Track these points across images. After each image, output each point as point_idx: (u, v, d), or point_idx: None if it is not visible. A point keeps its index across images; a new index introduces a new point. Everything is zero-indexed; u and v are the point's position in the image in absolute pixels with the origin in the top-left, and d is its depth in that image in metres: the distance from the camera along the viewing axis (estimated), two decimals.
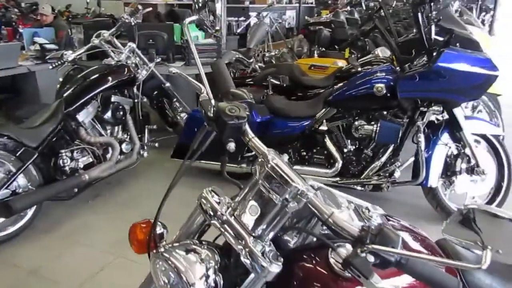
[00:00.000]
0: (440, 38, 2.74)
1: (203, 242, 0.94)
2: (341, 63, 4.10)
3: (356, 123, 2.94)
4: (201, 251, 0.90)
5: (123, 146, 3.20)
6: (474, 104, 3.70)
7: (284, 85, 3.79)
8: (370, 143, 2.99)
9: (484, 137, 2.87)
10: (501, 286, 1.13)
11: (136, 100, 3.43)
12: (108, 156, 3.11)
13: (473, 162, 2.78)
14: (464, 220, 0.80)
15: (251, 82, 3.77)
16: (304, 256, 0.95)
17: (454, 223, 0.83)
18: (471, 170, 2.81)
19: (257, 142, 0.96)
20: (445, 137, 2.79)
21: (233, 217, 0.91)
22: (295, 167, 3.09)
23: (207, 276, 0.86)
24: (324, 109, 3.05)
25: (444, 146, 2.78)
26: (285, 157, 0.95)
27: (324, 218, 0.83)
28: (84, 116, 3.02)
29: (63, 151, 2.84)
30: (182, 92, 4.16)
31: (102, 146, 3.11)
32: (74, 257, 2.49)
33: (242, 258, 0.86)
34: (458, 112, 2.73)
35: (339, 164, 3.01)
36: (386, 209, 1.04)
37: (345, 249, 0.84)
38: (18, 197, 2.47)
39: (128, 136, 3.33)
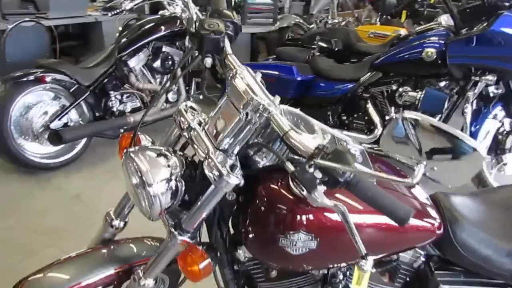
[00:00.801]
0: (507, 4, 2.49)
1: (175, 151, 1.00)
2: (403, 32, 3.89)
3: (401, 89, 2.80)
4: (169, 157, 0.95)
5: (170, 95, 3.35)
6: None
7: (336, 49, 3.69)
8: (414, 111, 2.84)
9: None
10: (487, 242, 1.08)
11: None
12: (159, 105, 3.28)
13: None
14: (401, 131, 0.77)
15: (299, 42, 3.70)
16: (269, 177, 0.97)
17: (390, 136, 0.80)
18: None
19: (232, 59, 0.98)
20: (498, 112, 2.57)
21: (203, 130, 0.95)
22: (334, 130, 3.05)
23: (169, 180, 0.92)
24: (369, 73, 2.94)
25: (496, 121, 2.57)
26: (277, 99, 0.94)
27: (281, 134, 0.84)
28: (135, 63, 3.19)
29: (113, 93, 3.04)
30: (236, 50, 4.21)
31: (150, 93, 3.29)
32: (113, 190, 2.70)
33: (204, 168, 0.90)
34: None
35: (378, 131, 2.90)
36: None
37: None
38: (69, 129, 2.73)
39: (176, 87, 3.47)
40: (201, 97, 3.58)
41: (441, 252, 1.13)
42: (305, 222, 0.90)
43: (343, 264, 1.05)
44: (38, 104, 2.71)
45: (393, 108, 2.93)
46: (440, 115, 2.72)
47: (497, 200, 1.24)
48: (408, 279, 1.17)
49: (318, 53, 3.35)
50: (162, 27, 3.24)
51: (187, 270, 0.96)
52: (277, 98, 0.92)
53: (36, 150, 2.72)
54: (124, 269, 1.14)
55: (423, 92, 2.67)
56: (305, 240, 0.91)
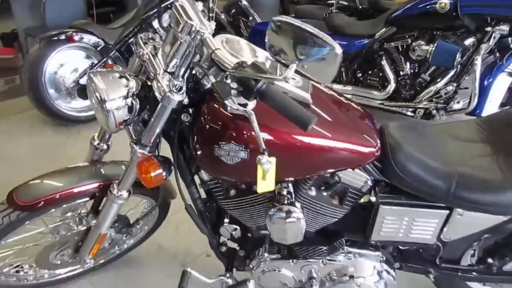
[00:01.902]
0: None
1: (135, 75, 1.14)
2: None
3: (414, 43, 2.76)
4: (127, 80, 1.10)
5: None
6: None
7: (360, 6, 3.65)
8: (429, 67, 2.80)
9: None
10: (424, 165, 1.14)
11: (210, 15, 3.65)
12: None
13: None
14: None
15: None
16: (213, 97, 1.09)
17: (270, 40, 0.91)
18: None
19: None
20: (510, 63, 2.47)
21: (154, 56, 1.09)
22: (347, 87, 3.08)
23: (125, 98, 1.07)
24: (384, 28, 2.91)
25: (510, 73, 2.48)
26: (212, 24, 1.05)
27: (210, 52, 0.96)
28: (159, 24, 3.35)
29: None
30: (262, 12, 4.27)
31: None
32: None
33: (153, 88, 1.05)
34: None
35: (391, 87, 2.90)
36: None
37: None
38: None
39: None
40: None
41: (384, 176, 1.21)
42: (235, 134, 1.02)
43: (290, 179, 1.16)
44: (69, 61, 2.97)
45: (408, 63, 2.90)
46: (455, 70, 2.67)
47: (448, 131, 1.29)
48: (356, 202, 1.26)
49: (336, 10, 3.34)
50: None
51: (142, 177, 1.13)
52: (213, 23, 1.03)
53: (68, 104, 3.00)
54: (105, 184, 1.34)
55: (435, 45, 2.62)
56: (237, 151, 1.03)
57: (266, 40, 0.95)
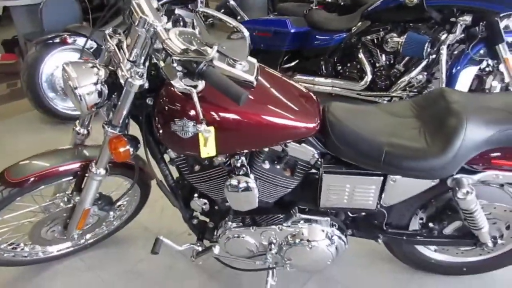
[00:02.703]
0: None
1: (104, 65, 1.32)
2: None
3: (387, 36, 2.92)
4: (97, 69, 1.27)
5: None
6: None
7: (342, 3, 3.81)
8: (403, 58, 2.95)
9: None
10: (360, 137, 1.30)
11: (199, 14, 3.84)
12: None
13: (507, 80, 2.59)
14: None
15: None
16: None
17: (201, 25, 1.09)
18: (505, 89, 2.63)
19: None
20: (479, 52, 2.61)
21: (119, 48, 1.27)
22: (328, 79, 3.23)
23: (94, 84, 1.25)
24: (360, 23, 3.07)
25: (477, 61, 2.62)
26: (164, 19, 1.21)
27: (161, 42, 1.13)
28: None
29: None
30: (252, 11, 4.45)
31: None
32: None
33: (118, 75, 1.23)
34: (496, 23, 2.52)
35: (368, 78, 3.06)
36: None
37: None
38: None
39: None
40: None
41: (327, 149, 1.38)
42: (186, 111, 1.19)
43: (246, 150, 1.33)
44: None
45: (383, 55, 3.05)
46: (426, 60, 2.81)
47: (386, 109, 1.44)
48: (306, 173, 1.43)
49: (316, 7, 3.50)
50: None
51: (112, 153, 1.31)
52: (164, 18, 1.21)
53: (64, 103, 3.19)
54: (86, 164, 1.52)
55: (405, 36, 2.77)
56: (189, 126, 1.20)
57: (195, 28, 1.13)
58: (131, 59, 1.22)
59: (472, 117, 1.24)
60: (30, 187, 1.47)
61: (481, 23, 2.59)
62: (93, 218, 1.76)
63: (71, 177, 1.55)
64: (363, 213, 1.54)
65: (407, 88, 2.90)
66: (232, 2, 4.05)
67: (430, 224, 1.54)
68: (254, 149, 1.31)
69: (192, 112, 1.19)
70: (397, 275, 1.80)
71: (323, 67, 3.26)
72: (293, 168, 1.42)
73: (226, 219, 1.55)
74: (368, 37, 3.06)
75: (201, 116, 1.09)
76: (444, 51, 2.61)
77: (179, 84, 1.09)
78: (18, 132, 3.15)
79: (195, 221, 1.64)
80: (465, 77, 2.65)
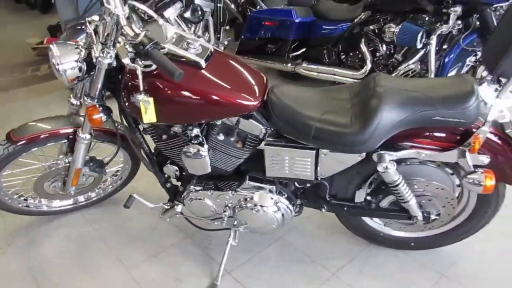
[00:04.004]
0: None
1: (86, 47, 1.59)
2: None
3: (386, 26, 3.01)
4: (78, 49, 1.54)
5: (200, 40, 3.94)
6: None
7: None
8: (402, 48, 3.03)
9: None
10: (296, 114, 1.49)
11: (219, 4, 4.08)
12: None
13: None
14: None
15: None
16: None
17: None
18: (496, 80, 2.65)
19: None
20: (472, 42, 2.66)
21: (95, 33, 1.53)
22: (331, 67, 3.37)
23: (75, 61, 1.52)
24: (363, 13, 3.17)
25: (468, 51, 2.67)
26: (126, 9, 1.44)
27: (120, 28, 1.38)
28: (169, 14, 3.82)
29: None
30: (272, 2, 4.62)
31: None
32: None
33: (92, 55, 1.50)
34: (488, 14, 2.55)
35: (367, 67, 3.17)
36: None
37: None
38: None
39: (207, 33, 4.05)
40: (225, 42, 4.11)
41: (270, 125, 1.57)
42: (141, 85, 1.42)
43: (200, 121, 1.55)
44: None
45: (384, 45, 3.15)
46: (424, 50, 2.88)
47: (327, 92, 1.60)
48: (256, 146, 1.63)
49: None
50: None
51: (88, 119, 1.58)
52: (126, 8, 1.44)
53: None
54: (77, 129, 1.81)
55: (400, 26, 2.85)
56: (144, 98, 1.44)
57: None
58: (101, 41, 1.48)
59: (390, 99, 1.38)
60: (31, 144, 1.79)
61: (474, 15, 2.63)
62: (89, 179, 2.07)
63: (65, 140, 1.86)
64: (308, 184, 1.72)
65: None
66: None
67: (368, 198, 1.70)
68: (196, 121, 1.53)
69: (146, 86, 1.44)
70: (350, 247, 1.97)
71: (326, 56, 3.40)
72: (244, 140, 1.64)
73: (191, 183, 1.79)
74: (370, 27, 3.17)
75: (141, 88, 1.33)
76: (433, 41, 2.68)
77: (127, 62, 1.34)
78: (50, 106, 3.57)
79: (168, 185, 1.89)
80: (457, 66, 2.71)
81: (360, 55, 3.25)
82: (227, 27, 4.18)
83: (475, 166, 1.46)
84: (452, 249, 1.90)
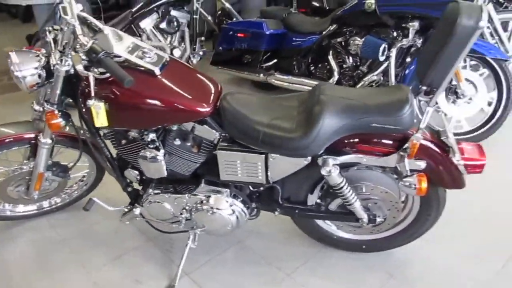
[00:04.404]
0: None
1: (46, 55, 1.65)
2: None
3: (351, 39, 3.13)
4: (39, 57, 1.61)
5: (174, 51, 4.03)
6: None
7: (327, 7, 4.05)
8: (367, 60, 3.15)
9: (486, 61, 2.77)
10: (245, 120, 1.57)
11: (195, 16, 4.18)
12: None
13: (454, 82, 2.74)
14: None
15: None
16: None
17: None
18: (453, 92, 2.79)
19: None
20: None
21: (55, 41, 1.60)
22: (301, 78, 3.47)
23: (34, 69, 1.58)
24: (330, 26, 3.30)
25: None
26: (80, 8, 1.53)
27: (75, 36, 1.45)
28: (145, 24, 3.92)
29: None
30: (250, 13, 4.75)
31: (160, 50, 4.01)
32: None
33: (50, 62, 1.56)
34: None
35: (334, 78, 3.28)
36: None
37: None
38: None
39: (183, 44, 4.14)
40: (200, 53, 4.20)
41: (224, 130, 1.65)
42: (92, 91, 1.48)
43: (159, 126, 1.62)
44: None
45: (351, 57, 3.27)
46: (388, 62, 3.00)
47: (279, 100, 1.69)
48: (211, 150, 1.71)
49: (295, 11, 3.75)
50: None
51: (47, 124, 1.64)
52: (81, 10, 1.51)
53: None
54: (39, 134, 1.86)
55: (363, 40, 2.98)
56: (94, 103, 1.50)
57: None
58: (59, 49, 1.55)
59: (332, 107, 1.47)
60: None
61: (431, 28, 2.77)
62: (53, 184, 2.11)
63: (28, 145, 1.91)
64: (262, 188, 1.80)
65: None
66: (227, 5, 4.37)
67: (318, 201, 1.78)
68: (149, 127, 1.60)
69: (100, 94, 1.51)
70: (306, 249, 2.04)
71: (295, 67, 3.51)
72: (200, 145, 1.71)
73: (150, 186, 1.85)
74: (337, 40, 3.29)
75: (92, 94, 1.40)
76: (393, 53, 2.81)
77: (79, 69, 1.41)
78: (28, 114, 3.59)
79: (130, 189, 1.95)
80: (415, 79, 2.83)
81: (328, 67, 3.37)
82: (203, 38, 4.28)
83: (413, 171, 1.56)
84: (403, 251, 1.99)
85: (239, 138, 1.62)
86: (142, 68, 1.54)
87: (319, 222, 1.94)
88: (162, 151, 1.68)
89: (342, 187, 1.62)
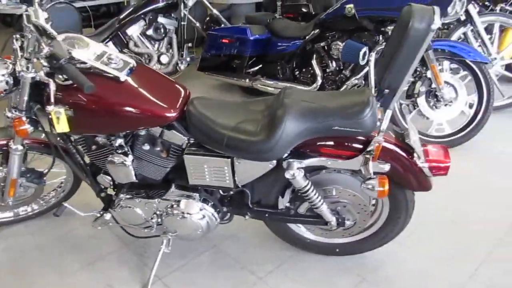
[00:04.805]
0: None
1: (13, 63, 1.67)
2: None
3: (333, 43, 3.15)
4: (6, 65, 1.63)
5: (162, 57, 4.06)
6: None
7: (313, 12, 4.07)
8: (350, 64, 3.17)
9: (466, 64, 2.78)
10: (210, 125, 1.58)
11: (183, 23, 4.22)
12: (151, 64, 4.03)
13: (434, 86, 2.75)
14: None
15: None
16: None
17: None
18: (433, 95, 2.79)
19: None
20: None
21: (21, 48, 1.62)
22: (284, 83, 3.49)
23: (2, 75, 1.60)
24: (313, 31, 3.31)
25: None
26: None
27: (39, 43, 1.46)
28: (132, 31, 3.95)
29: None
30: (239, 20, 4.77)
31: (148, 56, 4.04)
32: None
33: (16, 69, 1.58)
34: None
35: (318, 83, 3.30)
36: None
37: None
38: None
39: (171, 50, 4.17)
40: (188, 59, 4.23)
41: (190, 135, 1.66)
42: (52, 97, 1.50)
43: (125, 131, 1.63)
44: None
45: (334, 62, 3.29)
46: (367, 66, 3.02)
47: (247, 105, 1.69)
48: (180, 155, 1.71)
49: (280, 17, 3.78)
50: (157, 0, 3.94)
51: (14, 131, 1.65)
52: (46, 18, 1.53)
53: None
54: (10, 141, 1.88)
55: (344, 44, 2.99)
56: (54, 109, 1.51)
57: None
58: (25, 56, 1.57)
59: (294, 110, 1.48)
60: None
61: None
62: (29, 190, 2.12)
63: (0, 152, 1.92)
64: (232, 192, 1.81)
65: None
66: (215, 11, 4.40)
67: (287, 204, 1.79)
68: (115, 131, 1.61)
69: (64, 100, 1.52)
70: (280, 253, 2.04)
71: (280, 71, 3.53)
72: (168, 150, 1.72)
73: (121, 191, 1.86)
74: (321, 44, 3.30)
75: (52, 100, 1.42)
76: (372, 57, 2.81)
77: (41, 76, 1.42)
78: None
79: (103, 194, 1.95)
80: None
81: (312, 71, 3.38)
82: (190, 44, 4.30)
83: (377, 173, 1.56)
84: (376, 255, 1.99)
85: (204, 142, 1.62)
86: (110, 75, 1.56)
87: (292, 225, 1.94)
88: (130, 156, 1.69)
89: (308, 190, 1.63)
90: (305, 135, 1.51)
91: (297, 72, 3.51)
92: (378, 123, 1.50)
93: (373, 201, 1.83)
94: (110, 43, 3.87)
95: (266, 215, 1.81)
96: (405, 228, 1.83)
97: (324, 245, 1.97)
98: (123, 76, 1.56)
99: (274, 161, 1.60)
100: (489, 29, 3.62)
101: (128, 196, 1.84)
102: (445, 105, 2.79)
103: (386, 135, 1.56)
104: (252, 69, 3.73)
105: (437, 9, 1.28)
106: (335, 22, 3.10)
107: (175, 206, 1.77)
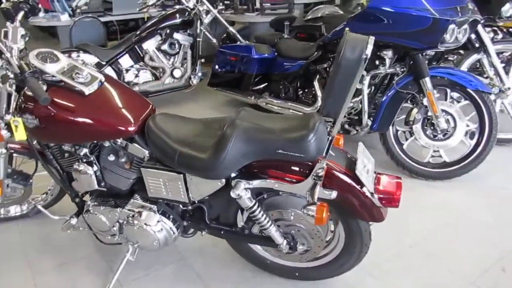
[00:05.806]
0: None
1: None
2: None
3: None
4: None
5: (175, 72, 4.20)
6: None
7: (324, 33, 4.08)
8: None
9: (469, 94, 2.69)
10: (165, 142, 1.63)
11: (198, 39, 4.36)
12: (164, 77, 4.19)
13: (430, 113, 2.68)
14: None
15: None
16: None
17: None
18: (430, 124, 2.71)
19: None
20: (407, 85, 2.73)
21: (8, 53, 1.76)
22: (287, 102, 3.50)
23: None
24: (316, 52, 3.33)
25: (402, 93, 2.75)
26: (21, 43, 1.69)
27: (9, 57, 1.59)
28: (148, 46, 4.13)
29: (129, 68, 4.05)
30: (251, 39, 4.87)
31: (163, 70, 4.19)
32: None
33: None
34: (418, 58, 2.65)
35: (318, 103, 3.29)
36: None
37: None
38: None
39: (184, 65, 4.31)
40: (199, 74, 4.34)
41: (149, 149, 1.72)
42: (12, 107, 1.61)
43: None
44: None
45: None
46: (369, 89, 2.98)
47: (206, 123, 1.73)
48: (138, 165, 1.78)
49: (288, 37, 3.81)
50: (169, 18, 4.11)
51: None
52: (22, 41, 1.66)
53: None
54: None
55: None
56: (30, 119, 1.63)
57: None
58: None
59: (241, 131, 1.51)
60: None
61: (407, 58, 2.73)
62: (18, 191, 2.26)
63: None
64: (190, 207, 1.84)
65: (345, 116, 3.08)
66: (231, 29, 4.50)
67: (241, 224, 1.80)
68: (76, 142, 1.71)
69: (29, 109, 1.63)
70: (243, 273, 2.04)
71: (283, 90, 3.55)
72: (131, 162, 1.79)
73: (90, 198, 1.95)
74: (323, 65, 3.30)
75: (10, 110, 1.53)
76: (366, 81, 2.78)
77: (4, 88, 1.54)
78: None
79: (77, 200, 2.05)
80: (391, 107, 2.78)
81: (314, 92, 3.38)
82: (203, 60, 4.42)
83: (323, 200, 1.54)
84: (343, 284, 1.94)
85: (159, 157, 1.68)
86: (76, 88, 1.66)
87: (252, 245, 1.94)
88: (95, 166, 1.78)
89: (255, 211, 1.63)
90: (251, 156, 1.53)
91: (300, 92, 3.52)
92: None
93: (332, 228, 1.80)
94: (127, 56, 4.07)
95: (222, 232, 1.83)
96: (380, 257, 1.77)
97: (284, 267, 1.95)
98: (87, 90, 1.66)
99: (223, 180, 1.63)
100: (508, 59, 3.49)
101: (95, 203, 1.92)
102: (443, 134, 2.70)
103: (333, 162, 1.55)
104: (258, 87, 3.78)
105: (371, 39, 1.27)
106: (336, 44, 3.09)
107: (135, 216, 1.83)
